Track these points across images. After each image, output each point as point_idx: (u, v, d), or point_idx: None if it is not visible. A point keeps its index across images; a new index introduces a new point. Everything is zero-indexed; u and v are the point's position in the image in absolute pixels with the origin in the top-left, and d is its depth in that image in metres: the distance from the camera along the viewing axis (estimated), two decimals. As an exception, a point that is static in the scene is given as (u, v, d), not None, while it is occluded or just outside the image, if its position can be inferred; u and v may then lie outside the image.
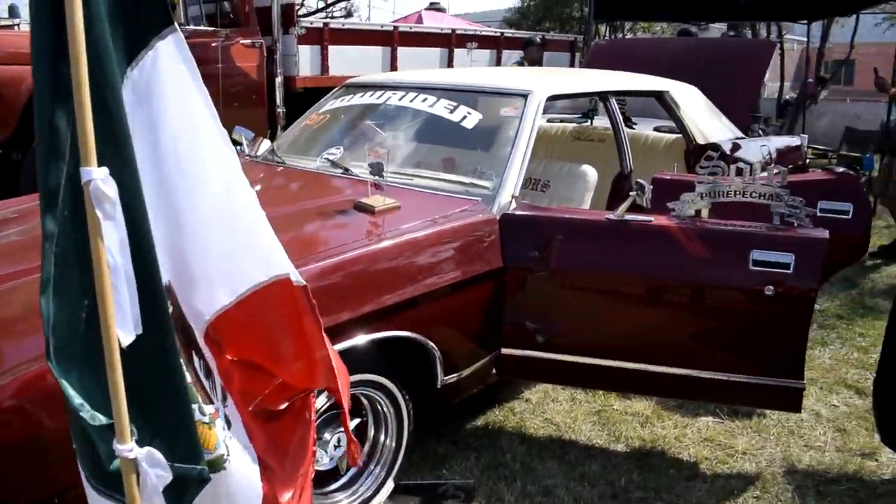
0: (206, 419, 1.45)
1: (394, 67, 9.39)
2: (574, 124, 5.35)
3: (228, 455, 1.51)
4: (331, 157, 3.51)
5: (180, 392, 1.34)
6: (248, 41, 7.92)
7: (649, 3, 10.98)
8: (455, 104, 3.44)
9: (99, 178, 1.16)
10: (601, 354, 2.94)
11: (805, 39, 14.49)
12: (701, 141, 4.28)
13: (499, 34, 11.53)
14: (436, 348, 2.69)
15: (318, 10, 19.49)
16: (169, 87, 1.40)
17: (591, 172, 3.86)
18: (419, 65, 9.23)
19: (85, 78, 1.13)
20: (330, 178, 3.39)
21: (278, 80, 8.16)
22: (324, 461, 2.54)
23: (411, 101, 3.59)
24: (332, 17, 18.18)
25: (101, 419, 1.22)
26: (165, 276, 1.43)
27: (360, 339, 2.41)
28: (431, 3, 17.01)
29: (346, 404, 1.86)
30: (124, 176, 1.21)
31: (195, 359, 1.56)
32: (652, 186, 2.81)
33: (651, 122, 5.27)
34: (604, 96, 3.93)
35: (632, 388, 3.18)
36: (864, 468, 3.03)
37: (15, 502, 1.76)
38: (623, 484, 2.89)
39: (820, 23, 12.40)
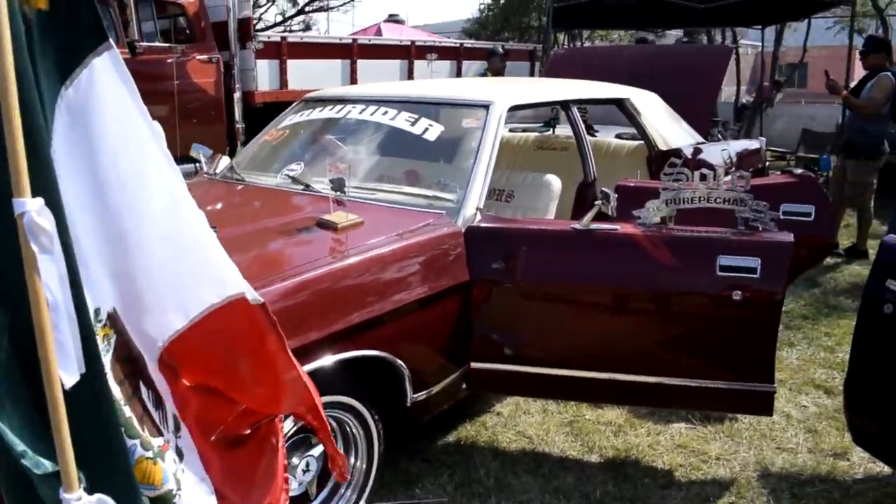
0: (151, 454, 1.38)
1: (354, 80, 9.34)
2: (536, 133, 5.35)
3: (179, 490, 1.44)
4: (291, 174, 3.44)
5: (117, 432, 1.27)
6: (204, 57, 7.81)
7: (606, 12, 11.09)
8: (416, 116, 3.39)
9: (33, 210, 1.09)
10: (572, 365, 2.91)
11: (759, 44, 14.76)
12: (663, 147, 4.29)
13: (458, 45, 11.55)
14: (404, 366, 2.63)
15: (275, 24, 19.37)
16: (107, 106, 1.33)
17: (555, 181, 3.84)
18: (379, 77, 9.18)
19: (15, 105, 1.05)
20: (291, 194, 3.32)
21: (236, 95, 8.06)
22: (293, 486, 2.47)
23: (372, 114, 3.54)
24: (290, 31, 18.07)
25: (46, 466, 1.14)
26: (110, 303, 1.36)
27: (327, 360, 2.35)
28: (390, 15, 17.06)
29: (317, 423, 1.80)
30: (55, 206, 1.14)
31: (142, 389, 1.49)
32: (617, 195, 2.79)
33: (612, 129, 5.29)
34: (565, 105, 3.92)
35: (603, 397, 3.16)
36: (837, 468, 3.03)
37: None
38: (598, 496, 2.86)
39: (773, 27, 12.63)
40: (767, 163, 5.95)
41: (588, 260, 2.87)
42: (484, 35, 19.26)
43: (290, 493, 2.44)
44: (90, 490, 1.19)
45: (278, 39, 8.96)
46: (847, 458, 3.10)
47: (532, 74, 11.85)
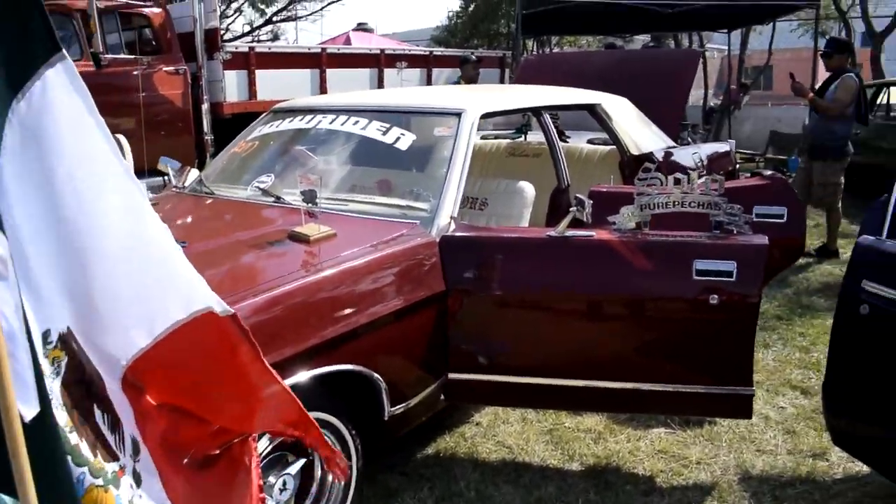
0: (102, 481, 1.33)
1: (323, 90, 9.28)
2: (508, 140, 5.34)
3: None
4: (261, 186, 3.38)
5: (64, 461, 1.22)
6: (170, 68, 7.71)
7: (574, 18, 11.16)
8: (388, 126, 3.36)
9: None
10: (551, 373, 2.89)
11: (724, 48, 14.94)
12: (634, 151, 4.30)
13: (428, 53, 11.53)
14: (381, 379, 2.59)
15: (243, 35, 19.25)
16: (61, 118, 1.28)
17: (528, 188, 3.83)
18: (349, 86, 9.13)
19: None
20: (261, 207, 3.26)
21: (204, 106, 7.96)
22: (270, 507, 2.41)
23: (342, 124, 3.49)
24: (259, 41, 17.96)
25: (5, 501, 1.08)
26: (63, 323, 1.30)
27: (302, 377, 2.29)
28: (359, 24, 17.00)
29: (304, 433, 1.75)
30: (6, 229, 1.08)
31: (97, 412, 1.43)
32: (591, 201, 2.77)
33: (584, 134, 5.30)
34: (537, 111, 3.91)
35: (583, 405, 3.14)
36: (817, 469, 3.04)
37: None
38: (581, 505, 2.83)
39: (739, 31, 12.81)
40: (738, 165, 6.00)
41: (564, 267, 2.85)
42: (453, 43, 19.29)
43: (268, 513, 2.39)
44: None
45: (246, 50, 8.88)
46: (826, 458, 3.11)
47: (502, 81, 11.87)
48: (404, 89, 8.76)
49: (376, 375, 2.56)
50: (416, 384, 2.80)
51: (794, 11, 11.55)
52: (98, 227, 1.35)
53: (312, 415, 2.37)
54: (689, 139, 7.68)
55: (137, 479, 1.47)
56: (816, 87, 6.96)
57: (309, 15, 20.82)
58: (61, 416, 1.28)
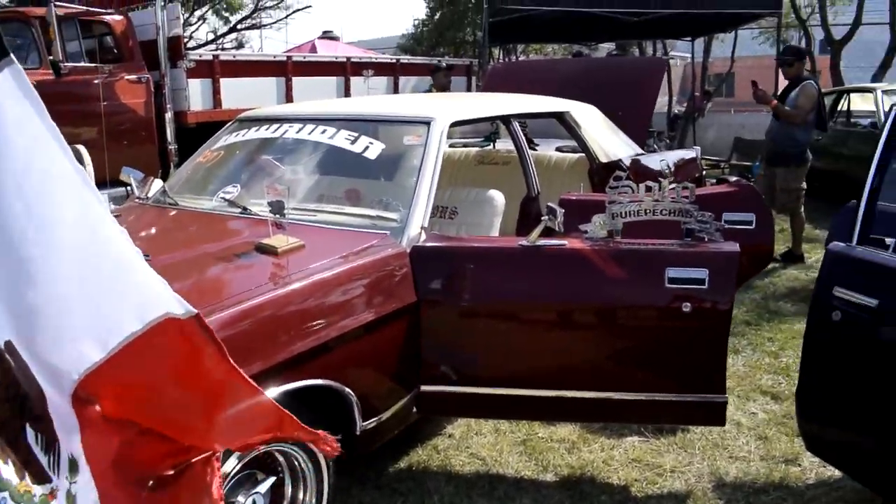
0: None
1: (289, 98, 9.18)
2: (477, 148, 5.32)
3: None
4: (227, 197, 3.31)
5: None
6: (133, 76, 7.57)
7: (540, 26, 11.22)
8: (356, 134, 3.31)
9: None
10: (524, 384, 2.86)
11: (687, 55, 15.13)
12: (603, 159, 4.30)
13: (395, 61, 11.49)
14: (353, 394, 2.53)
15: (207, 43, 19.05)
16: (9, 125, 1.22)
17: (498, 197, 3.80)
18: (315, 95, 9.05)
19: None
20: (227, 218, 3.18)
21: (168, 115, 7.82)
22: (239, 528, 2.34)
23: (310, 133, 3.44)
24: (223, 49, 17.78)
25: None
26: (3, 336, 1.24)
27: (272, 393, 2.22)
28: (324, 32, 16.91)
29: (284, 433, 1.70)
30: None
31: (28, 431, 1.37)
32: (563, 210, 2.75)
33: (552, 142, 5.29)
34: (506, 120, 3.89)
35: (557, 415, 3.12)
36: (790, 475, 3.04)
37: None
38: (556, 516, 2.80)
39: (702, 39, 12.99)
40: (704, 171, 6.05)
41: (537, 276, 2.82)
42: (419, 51, 19.28)
43: (238, 534, 2.32)
44: None
45: (210, 58, 8.75)
46: (798, 463, 3.12)
47: (469, 89, 11.87)
48: (372, 97, 8.72)
49: (347, 390, 2.51)
50: (389, 397, 2.75)
51: (757, 20, 11.74)
52: (48, 237, 1.30)
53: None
54: (655, 146, 7.76)
55: (72, 501, 1.40)
56: (776, 94, 7.05)
57: (274, 23, 20.70)
58: None
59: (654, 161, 4.86)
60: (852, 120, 9.24)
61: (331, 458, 2.49)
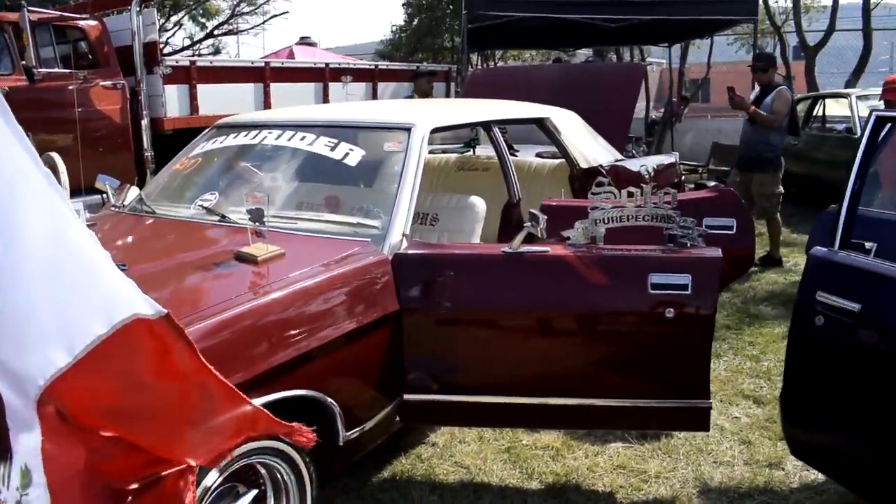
0: None
1: (267, 105, 9.12)
2: (457, 154, 5.30)
3: None
4: (206, 204, 3.26)
5: None
6: (108, 83, 7.47)
7: (519, 32, 11.25)
8: (336, 141, 3.28)
9: None
10: (508, 391, 2.84)
11: (662, 61, 15.24)
12: (584, 164, 4.31)
13: (373, 67, 11.46)
14: (335, 404, 2.50)
15: (183, 49, 18.91)
16: None
17: (479, 203, 3.79)
18: (293, 101, 8.99)
19: None
20: (206, 226, 3.14)
21: (144, 122, 7.72)
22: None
23: (289, 139, 3.40)
24: (199, 55, 17.65)
25: None
26: None
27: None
28: (302, 38, 16.84)
29: (259, 431, 1.71)
30: None
31: None
32: (546, 216, 2.74)
33: (532, 148, 5.30)
34: (487, 126, 3.88)
35: (542, 423, 3.10)
36: (773, 479, 3.05)
37: None
38: (541, 525, 2.78)
39: (679, 45, 13.09)
40: (683, 176, 6.07)
41: (520, 283, 2.80)
42: (398, 57, 19.26)
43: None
44: None
45: (187, 64, 8.67)
46: (782, 467, 3.12)
47: (448, 95, 11.87)
48: (352, 103, 8.67)
49: (330, 400, 2.47)
50: (372, 407, 2.72)
51: (733, 26, 11.85)
52: (13, 245, 1.27)
53: (264, 443, 2.30)
54: (633, 152, 7.78)
55: None
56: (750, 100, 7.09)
57: (250, 29, 20.60)
58: None
59: (635, 166, 4.88)
60: (827, 125, 9.35)
61: (311, 461, 2.45)
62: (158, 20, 9.76)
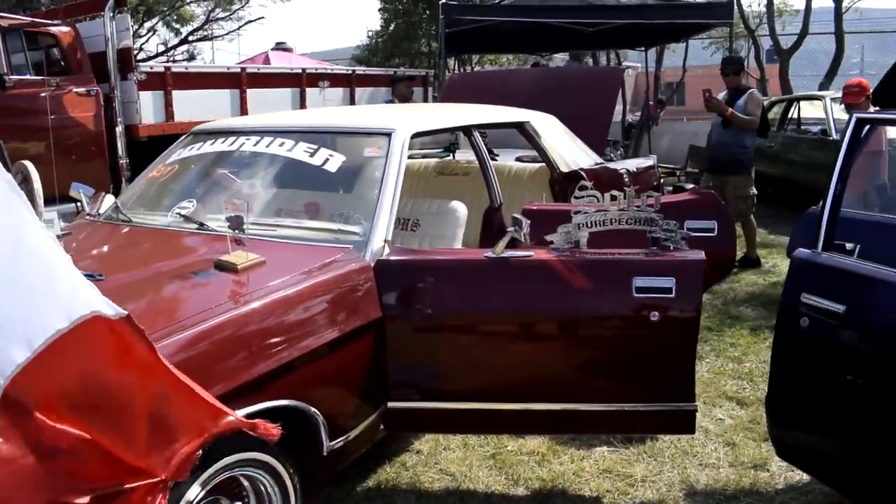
0: None
1: (244, 111, 9.04)
2: (436, 159, 5.28)
3: None
4: (183, 212, 3.21)
5: None
6: (81, 89, 7.36)
7: (496, 37, 11.26)
8: (315, 147, 3.24)
9: None
10: (493, 398, 2.81)
11: (638, 65, 15.35)
12: (564, 168, 4.30)
13: (350, 72, 11.42)
14: (318, 413, 2.46)
15: (158, 55, 18.74)
16: None
17: (460, 208, 3.76)
18: (270, 107, 8.92)
19: None
20: (184, 235, 3.08)
21: (119, 129, 7.61)
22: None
23: (267, 146, 3.36)
24: (174, 61, 17.50)
25: None
26: None
27: (234, 416, 2.15)
28: (277, 43, 16.78)
29: (223, 428, 1.71)
30: None
31: None
32: (529, 221, 2.72)
33: (512, 152, 5.28)
34: (467, 130, 3.86)
35: (528, 428, 3.08)
36: (759, 480, 3.05)
37: None
38: (528, 532, 2.76)
39: (654, 49, 13.18)
40: (661, 179, 6.10)
41: (504, 288, 2.78)
42: (374, 62, 19.24)
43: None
44: None
45: (162, 70, 8.57)
46: (767, 468, 3.12)
47: (426, 100, 11.85)
48: (331, 109, 8.62)
49: (314, 410, 2.44)
50: (356, 416, 2.68)
51: (709, 29, 11.95)
52: None
53: (247, 455, 2.26)
54: (611, 155, 7.80)
55: None
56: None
57: (226, 34, 20.50)
58: None
59: (616, 169, 4.89)
60: (802, 127, 9.45)
61: (295, 472, 2.41)
62: (132, 26, 9.64)
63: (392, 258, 2.79)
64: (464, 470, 3.18)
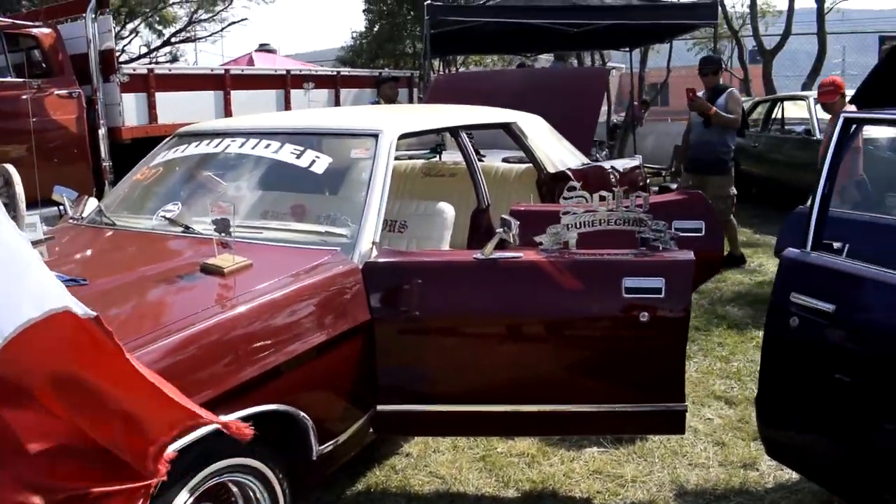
0: None
1: (228, 112, 8.98)
2: (423, 160, 5.26)
3: None
4: (168, 215, 3.17)
5: None
6: (63, 91, 7.27)
7: (481, 38, 11.26)
8: (302, 149, 3.21)
9: None
10: (483, 400, 2.80)
11: (623, 66, 15.40)
12: (551, 169, 4.29)
13: (335, 73, 11.37)
14: (308, 418, 2.44)
15: (140, 56, 18.61)
16: None
17: (448, 209, 3.75)
18: (255, 108, 8.86)
19: None
20: (169, 238, 3.05)
21: (101, 131, 7.53)
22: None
23: (253, 147, 3.32)
24: (157, 63, 17.38)
25: None
26: None
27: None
28: (261, 45, 16.70)
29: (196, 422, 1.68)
30: None
31: None
32: (518, 222, 2.70)
33: (498, 153, 5.27)
34: (454, 131, 3.85)
35: (518, 430, 3.06)
36: (748, 480, 3.05)
37: None
38: (519, 535, 2.74)
39: (639, 50, 13.22)
40: (647, 179, 6.11)
41: (493, 290, 2.77)
42: (359, 63, 19.19)
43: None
44: None
45: (145, 72, 8.49)
46: (756, 468, 3.13)
47: (411, 101, 11.82)
48: (317, 110, 8.58)
49: (302, 414, 2.41)
50: (345, 420, 2.66)
51: (694, 30, 12.01)
52: None
53: (236, 461, 2.24)
54: (597, 155, 7.81)
55: None
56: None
57: (208, 36, 20.39)
58: None
59: (602, 169, 4.88)
60: (786, 127, 9.51)
61: (284, 476, 2.39)
62: (114, 27, 9.56)
63: (380, 260, 2.77)
64: (454, 472, 3.16)
